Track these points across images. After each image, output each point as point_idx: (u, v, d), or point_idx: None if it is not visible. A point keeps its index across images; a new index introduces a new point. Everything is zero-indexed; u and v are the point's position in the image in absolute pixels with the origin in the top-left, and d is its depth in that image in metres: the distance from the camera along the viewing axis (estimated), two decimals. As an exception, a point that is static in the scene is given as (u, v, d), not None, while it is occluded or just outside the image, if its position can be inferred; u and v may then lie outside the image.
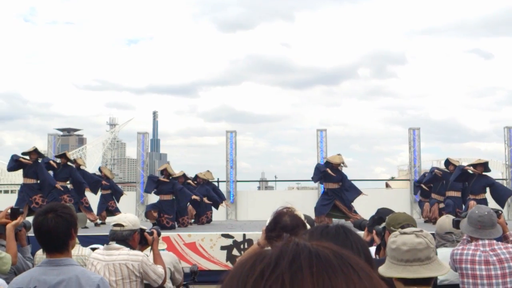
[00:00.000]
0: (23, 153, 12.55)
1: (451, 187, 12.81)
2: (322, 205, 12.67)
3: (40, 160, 12.52)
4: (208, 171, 15.40)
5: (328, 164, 12.95)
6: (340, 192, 12.70)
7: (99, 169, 15.07)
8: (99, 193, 14.32)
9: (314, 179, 13.33)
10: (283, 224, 2.69)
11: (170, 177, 12.83)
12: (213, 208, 15.01)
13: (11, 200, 14.20)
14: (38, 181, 12.37)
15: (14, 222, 3.91)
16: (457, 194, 12.73)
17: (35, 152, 12.43)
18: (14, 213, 3.98)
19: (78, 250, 4.65)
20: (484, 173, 12.02)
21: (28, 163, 12.22)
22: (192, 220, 14.11)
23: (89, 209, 13.40)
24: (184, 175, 13.74)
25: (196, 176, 14.60)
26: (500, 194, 12.13)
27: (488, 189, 12.09)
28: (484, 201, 11.04)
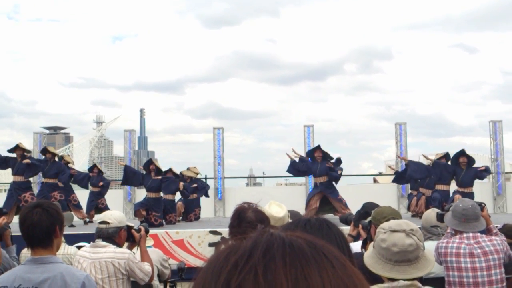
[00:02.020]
0: (9, 151, 12.51)
1: (439, 181, 12.91)
2: (310, 194, 12.93)
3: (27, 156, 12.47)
4: (194, 167, 15.35)
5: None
6: (329, 186, 12.80)
7: (93, 166, 14.86)
8: (88, 190, 14.29)
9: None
10: (248, 219, 2.68)
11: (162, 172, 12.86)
12: (201, 205, 15.00)
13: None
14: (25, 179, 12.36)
15: None
16: (446, 187, 12.83)
17: (19, 149, 12.35)
18: None
19: (63, 249, 4.63)
20: (472, 166, 12.29)
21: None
22: (180, 218, 14.08)
23: (78, 206, 13.31)
24: (171, 170, 13.65)
25: (181, 174, 14.54)
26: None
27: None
28: (471, 195, 11.15)
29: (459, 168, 12.20)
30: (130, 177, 13.15)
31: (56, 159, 13.33)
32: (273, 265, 0.67)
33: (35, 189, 14.34)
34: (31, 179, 13.12)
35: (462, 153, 12.27)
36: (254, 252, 0.69)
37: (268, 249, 0.69)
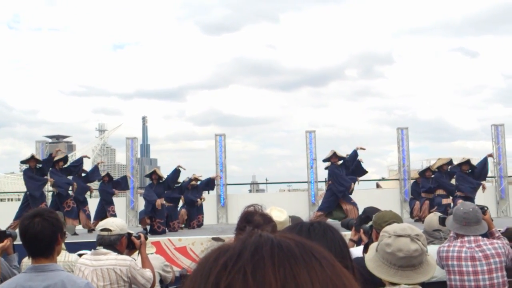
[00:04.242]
0: (22, 162, 12.61)
1: (439, 186, 12.98)
2: (327, 201, 12.81)
3: (39, 166, 12.52)
4: (193, 174, 15.41)
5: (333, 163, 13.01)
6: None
7: (103, 176, 14.89)
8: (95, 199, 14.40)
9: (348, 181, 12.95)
10: (255, 223, 2.71)
11: (160, 180, 12.98)
12: (204, 212, 15.05)
13: (1, 208, 14.10)
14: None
15: (0, 245, 3.89)
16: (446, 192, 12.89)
17: (33, 160, 12.40)
18: (0, 236, 3.96)
19: (64, 257, 4.63)
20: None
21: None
22: (183, 225, 14.09)
23: (88, 216, 13.29)
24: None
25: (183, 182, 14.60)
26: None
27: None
28: (471, 199, 11.20)
29: (459, 173, 12.38)
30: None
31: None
32: (262, 265, 0.68)
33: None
34: (44, 189, 13.16)
35: (466, 162, 12.45)
36: (243, 252, 0.70)
37: (257, 250, 0.70)
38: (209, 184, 15.28)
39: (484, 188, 12.55)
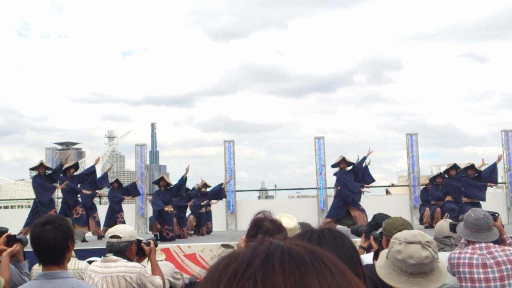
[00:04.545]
0: (31, 169, 12.71)
1: (448, 192, 12.92)
2: (336, 208, 12.72)
3: (48, 173, 12.59)
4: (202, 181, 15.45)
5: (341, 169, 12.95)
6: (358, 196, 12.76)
7: (112, 183, 14.89)
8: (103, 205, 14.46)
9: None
10: (265, 229, 2.71)
11: (168, 187, 12.99)
12: (213, 218, 15.06)
13: (11, 215, 14.17)
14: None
15: (10, 250, 3.91)
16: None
17: (42, 167, 12.48)
18: (10, 240, 3.97)
19: (74, 264, 4.63)
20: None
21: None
22: (192, 231, 14.10)
23: (98, 223, 13.31)
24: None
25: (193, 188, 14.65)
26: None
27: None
28: (478, 204, 11.14)
29: (465, 179, 12.35)
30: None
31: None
32: (272, 272, 0.68)
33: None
34: (54, 196, 13.23)
35: (471, 166, 12.41)
36: (253, 260, 0.70)
37: (267, 257, 0.70)
38: (219, 193, 15.21)
39: (491, 186, 12.51)
